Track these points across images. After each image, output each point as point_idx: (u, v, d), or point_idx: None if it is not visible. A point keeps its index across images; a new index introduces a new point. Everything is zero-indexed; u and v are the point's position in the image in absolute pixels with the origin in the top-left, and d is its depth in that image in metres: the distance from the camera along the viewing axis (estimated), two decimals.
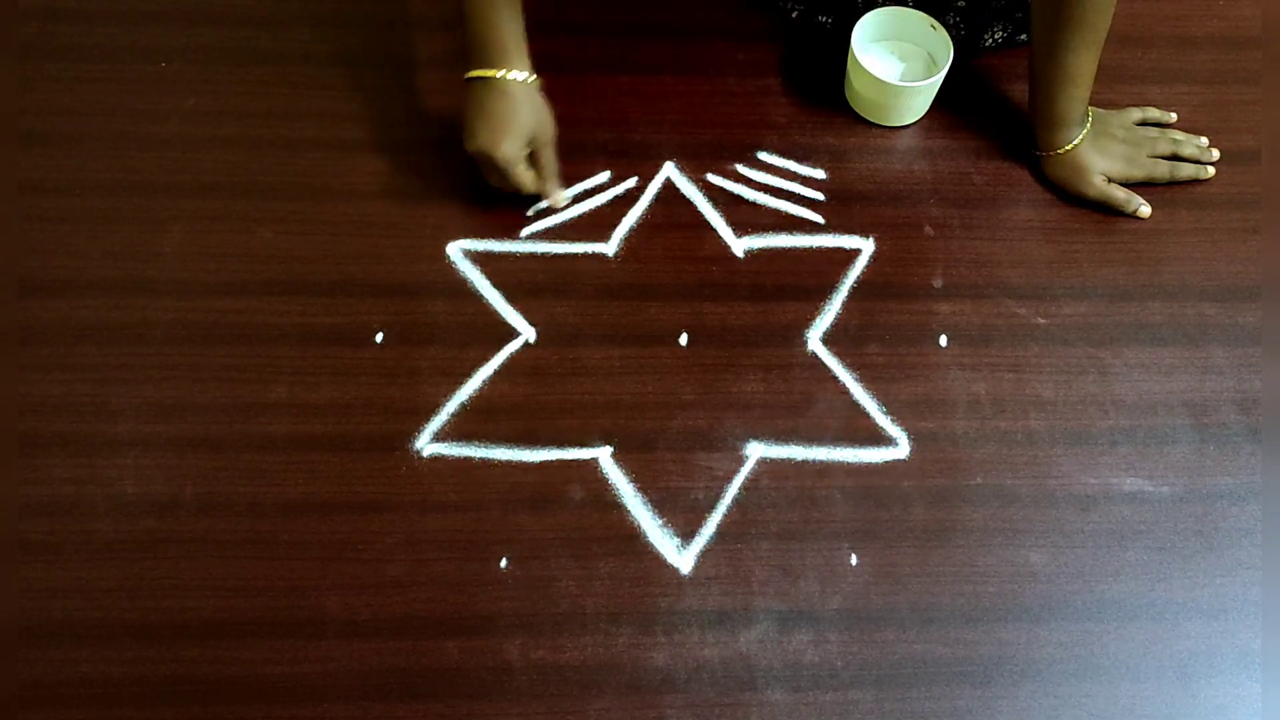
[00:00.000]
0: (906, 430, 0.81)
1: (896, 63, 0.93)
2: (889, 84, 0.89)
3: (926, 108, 0.94)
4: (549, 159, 0.86)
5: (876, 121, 0.94)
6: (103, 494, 0.76)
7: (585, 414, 0.80)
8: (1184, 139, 0.92)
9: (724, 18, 0.99)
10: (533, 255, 0.87)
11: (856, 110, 0.94)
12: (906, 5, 0.93)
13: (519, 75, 0.82)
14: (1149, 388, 0.83)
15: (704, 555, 0.75)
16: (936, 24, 0.90)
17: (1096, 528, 0.77)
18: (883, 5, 0.93)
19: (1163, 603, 0.75)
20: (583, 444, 0.79)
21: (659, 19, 0.99)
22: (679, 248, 0.87)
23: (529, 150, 0.84)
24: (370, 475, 0.77)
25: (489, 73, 0.81)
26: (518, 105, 0.82)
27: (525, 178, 0.84)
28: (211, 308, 0.83)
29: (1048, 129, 0.88)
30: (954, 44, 0.90)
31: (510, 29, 0.82)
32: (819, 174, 0.91)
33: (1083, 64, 0.84)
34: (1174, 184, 0.91)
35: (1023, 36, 0.96)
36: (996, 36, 0.96)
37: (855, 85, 0.92)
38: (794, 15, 0.97)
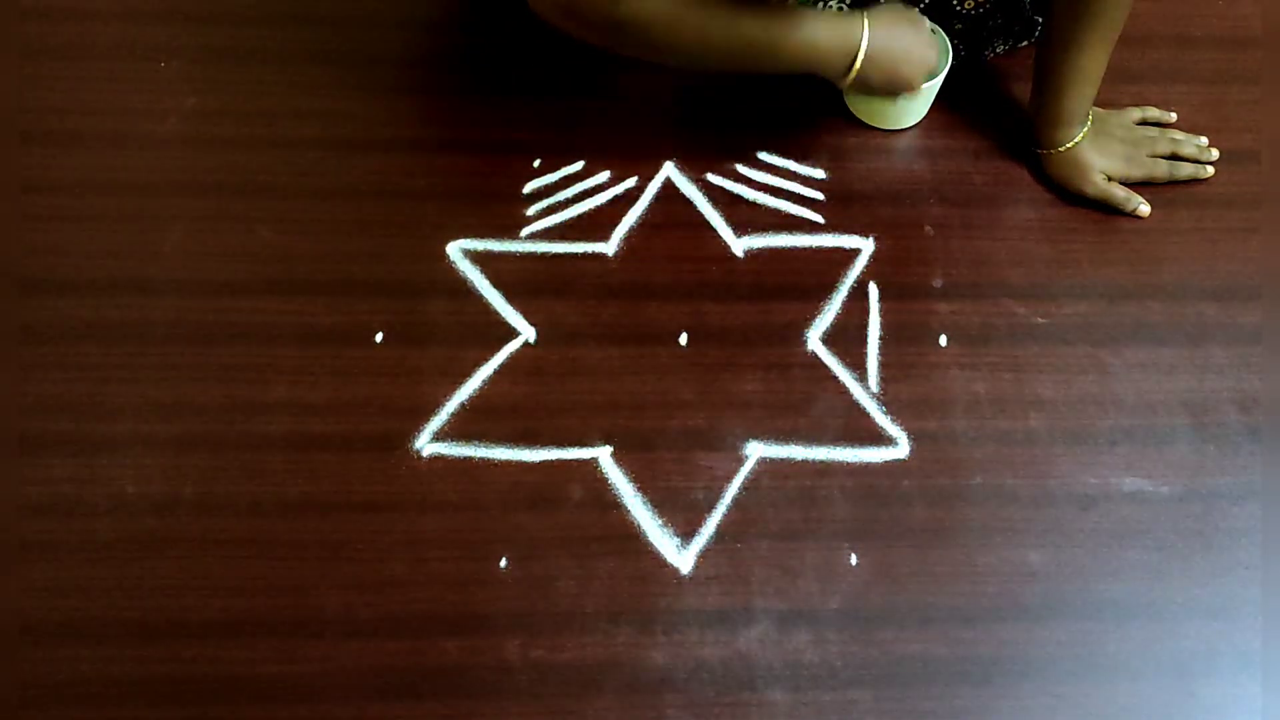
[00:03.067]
0: (906, 430, 0.81)
1: None
2: None
3: (925, 111, 0.94)
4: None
5: (875, 125, 0.94)
6: (103, 494, 0.76)
7: (585, 414, 0.80)
8: (1184, 139, 0.92)
9: None
10: (533, 255, 0.87)
11: (855, 113, 0.94)
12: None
13: (864, 31, 0.80)
14: (1149, 387, 0.83)
15: (704, 555, 0.76)
16: (936, 28, 0.90)
17: (1096, 527, 0.77)
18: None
19: (1162, 602, 0.75)
20: (582, 444, 0.79)
21: None
22: (679, 247, 0.87)
23: None
24: (370, 475, 0.77)
25: (857, 51, 0.80)
26: (893, 31, 0.82)
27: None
28: (211, 307, 0.83)
29: (1051, 126, 0.88)
30: (954, 63, 0.90)
31: (815, 18, 0.79)
32: (819, 174, 0.91)
33: (1097, 62, 0.84)
34: (1174, 183, 0.91)
35: (1024, 44, 0.95)
36: (998, 50, 0.96)
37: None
38: None
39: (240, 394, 0.80)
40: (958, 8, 0.91)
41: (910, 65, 0.83)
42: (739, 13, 0.77)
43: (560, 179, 0.90)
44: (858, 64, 0.80)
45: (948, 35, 0.90)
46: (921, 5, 0.91)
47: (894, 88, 0.84)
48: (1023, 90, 0.93)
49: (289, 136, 0.91)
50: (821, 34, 0.79)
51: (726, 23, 0.77)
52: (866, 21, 0.80)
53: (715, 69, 0.85)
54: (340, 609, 0.73)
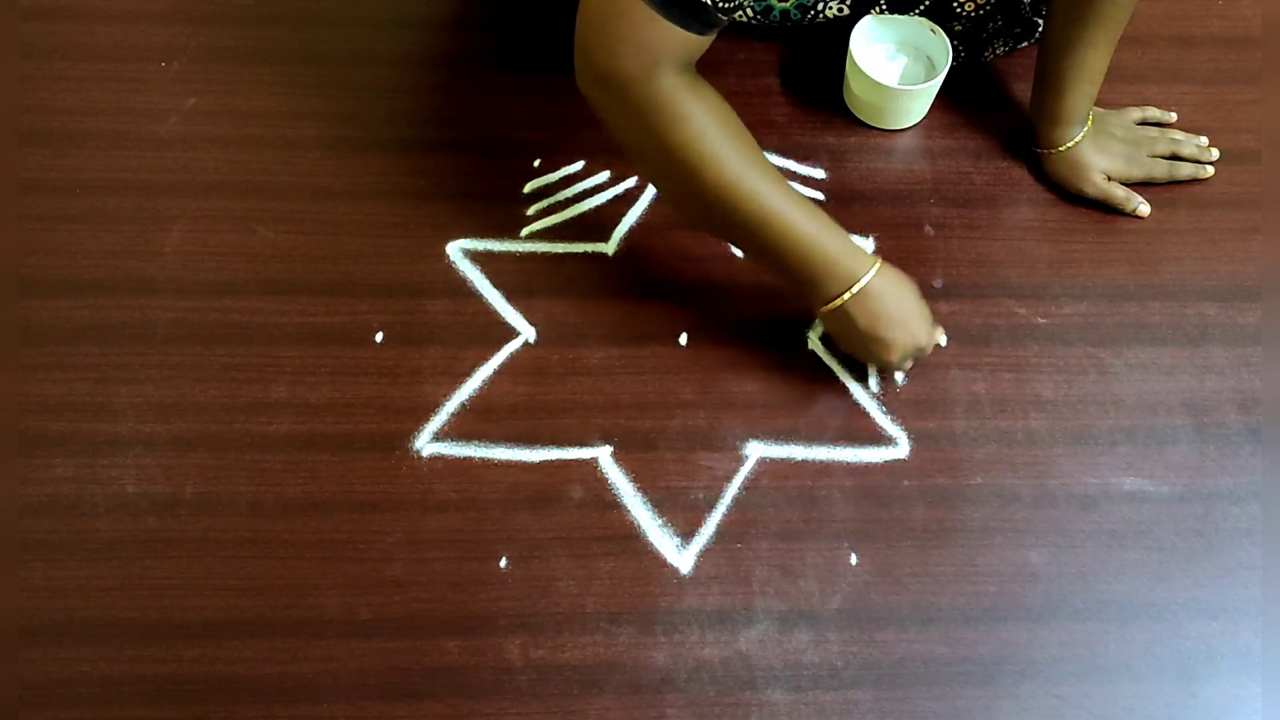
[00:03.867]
0: (906, 430, 0.80)
1: (896, 66, 0.93)
2: (887, 87, 0.89)
3: (925, 111, 0.94)
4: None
5: (875, 125, 0.94)
6: (103, 494, 0.76)
7: (585, 414, 0.80)
8: (1184, 138, 0.92)
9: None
10: (533, 255, 0.87)
11: (855, 113, 0.94)
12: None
13: (868, 269, 0.74)
14: (1149, 388, 0.83)
15: (704, 555, 0.75)
16: (936, 28, 0.90)
17: (1097, 528, 0.77)
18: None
19: (1163, 603, 0.75)
20: (583, 444, 0.79)
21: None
22: (679, 248, 0.87)
23: None
24: (370, 475, 0.77)
25: (851, 289, 0.73)
26: (899, 288, 0.76)
27: (935, 336, 0.80)
28: (212, 307, 0.83)
29: (1052, 126, 0.88)
30: (954, 64, 0.90)
31: (835, 232, 0.74)
32: (819, 174, 0.91)
33: (1099, 61, 0.84)
34: (1174, 183, 0.91)
35: (1024, 44, 0.95)
36: (998, 52, 0.96)
37: (854, 88, 0.92)
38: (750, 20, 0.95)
39: (241, 394, 0.80)
40: (958, 9, 0.91)
41: (895, 330, 0.75)
42: (768, 174, 0.71)
43: (560, 179, 0.90)
44: (851, 293, 0.73)
45: (948, 37, 0.90)
46: (922, 7, 0.91)
47: (868, 345, 0.76)
48: (1023, 90, 0.93)
49: (289, 136, 0.91)
50: (834, 243, 0.73)
51: (753, 173, 0.70)
52: (879, 264, 0.74)
53: (703, 219, 0.75)
54: (340, 609, 0.73)
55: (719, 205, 0.71)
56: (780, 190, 0.72)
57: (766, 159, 0.73)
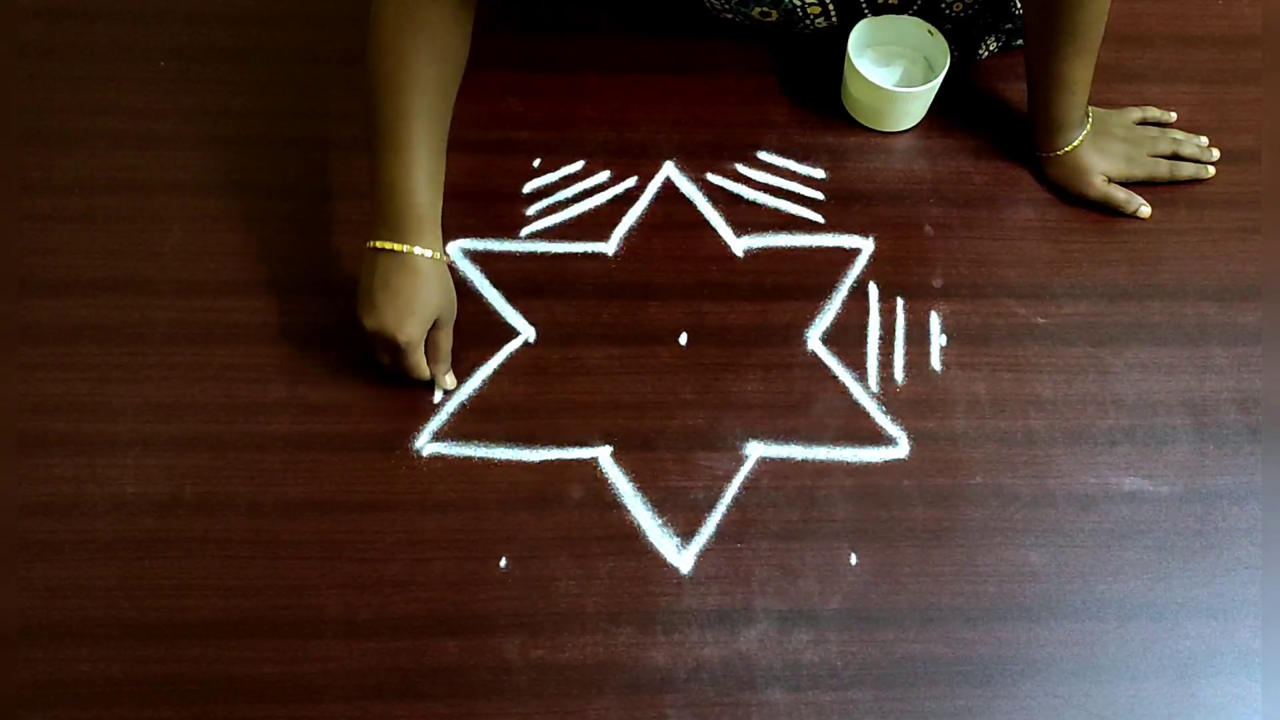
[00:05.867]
0: (906, 430, 0.81)
1: (893, 68, 0.93)
2: (885, 89, 0.89)
3: (923, 114, 0.93)
4: (445, 342, 0.79)
5: (873, 127, 0.93)
6: (103, 494, 0.76)
7: (585, 414, 0.80)
8: (1184, 138, 0.92)
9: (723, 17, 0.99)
10: (532, 255, 0.87)
11: (853, 115, 0.94)
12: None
13: (429, 252, 0.75)
14: (1149, 387, 0.83)
15: (704, 555, 0.76)
16: (934, 30, 0.90)
17: (1096, 527, 0.77)
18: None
19: (1162, 602, 0.75)
20: (582, 444, 0.79)
21: (659, 18, 0.99)
22: (679, 247, 0.87)
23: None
24: (370, 475, 0.77)
25: (396, 246, 0.75)
26: (427, 283, 0.76)
27: (422, 365, 0.77)
28: (211, 307, 0.83)
29: (1047, 132, 0.88)
30: (950, 65, 0.90)
31: (427, 198, 0.76)
32: (819, 173, 0.91)
33: (1077, 71, 0.84)
34: (1174, 184, 0.91)
35: (1019, 41, 0.95)
36: (991, 48, 0.96)
37: (851, 90, 0.92)
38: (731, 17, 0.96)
39: (240, 394, 0.80)
40: (946, 10, 0.91)
41: (383, 304, 0.75)
42: (423, 106, 0.75)
43: (560, 179, 0.90)
44: (379, 248, 0.75)
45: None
46: (913, 8, 0.91)
47: (362, 299, 0.76)
48: (1021, 90, 0.92)
49: (289, 136, 0.91)
50: (401, 201, 0.75)
51: (411, 95, 0.75)
52: (411, 249, 0.75)
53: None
54: (340, 609, 0.73)
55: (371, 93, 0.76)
56: (412, 125, 0.75)
57: (443, 99, 0.77)
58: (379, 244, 0.76)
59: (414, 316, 0.75)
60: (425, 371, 0.78)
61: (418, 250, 0.75)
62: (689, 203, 0.89)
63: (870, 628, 0.73)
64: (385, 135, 0.76)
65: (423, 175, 0.76)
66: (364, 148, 0.78)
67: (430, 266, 0.76)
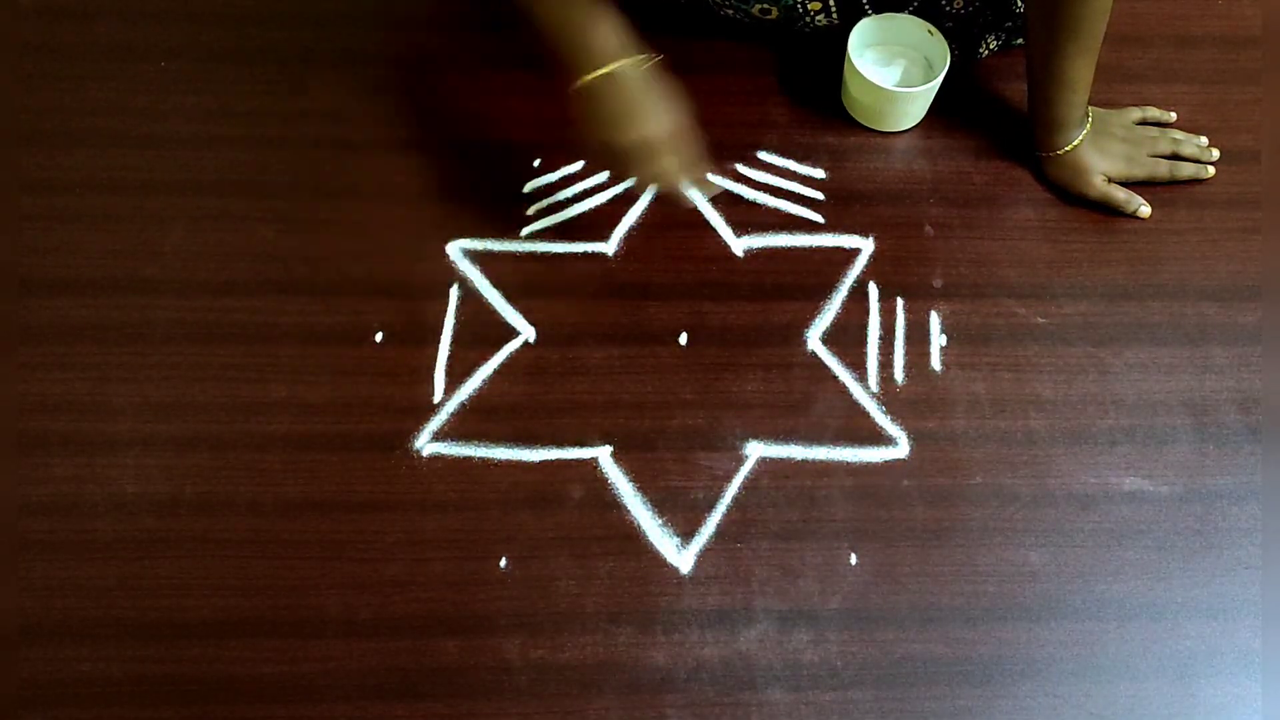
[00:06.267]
0: (906, 430, 0.81)
1: (893, 68, 0.93)
2: (885, 89, 0.89)
3: (923, 114, 0.93)
4: (690, 143, 0.80)
5: (873, 127, 0.93)
6: (103, 493, 0.76)
7: (585, 413, 0.80)
8: (1184, 138, 0.92)
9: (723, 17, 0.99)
10: (533, 255, 0.87)
11: (853, 116, 0.94)
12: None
13: (632, 63, 0.76)
14: (1149, 387, 0.83)
15: (704, 555, 0.76)
16: (934, 29, 0.90)
17: (1096, 527, 0.77)
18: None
19: (1162, 602, 0.75)
20: (582, 443, 0.79)
21: (659, 17, 0.99)
22: (679, 247, 0.87)
23: None
24: (370, 475, 0.77)
25: (603, 71, 0.75)
26: (646, 87, 0.76)
27: (674, 168, 0.79)
28: (211, 307, 0.83)
29: (1047, 132, 0.88)
30: (950, 65, 0.90)
31: (607, 22, 0.76)
32: (819, 173, 0.91)
33: (1079, 70, 0.84)
34: (1174, 184, 0.91)
35: (1019, 40, 0.95)
36: (991, 46, 0.96)
37: (852, 90, 0.92)
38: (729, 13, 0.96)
39: (240, 394, 0.80)
40: (947, 8, 0.91)
41: (644, 118, 0.76)
42: None
43: (560, 179, 0.90)
44: (599, 73, 0.75)
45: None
46: (913, 6, 0.91)
47: (604, 126, 0.77)
48: (1021, 90, 0.92)
49: (289, 136, 0.91)
50: (568, 26, 0.75)
51: None
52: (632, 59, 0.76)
53: None
54: (340, 609, 0.73)
55: None
56: None
57: None
58: (587, 79, 0.75)
59: (669, 111, 0.76)
60: (678, 176, 0.80)
61: (623, 64, 0.75)
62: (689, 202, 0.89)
63: (870, 628, 0.73)
64: None
65: (591, 6, 0.75)
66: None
67: (639, 76, 0.76)
